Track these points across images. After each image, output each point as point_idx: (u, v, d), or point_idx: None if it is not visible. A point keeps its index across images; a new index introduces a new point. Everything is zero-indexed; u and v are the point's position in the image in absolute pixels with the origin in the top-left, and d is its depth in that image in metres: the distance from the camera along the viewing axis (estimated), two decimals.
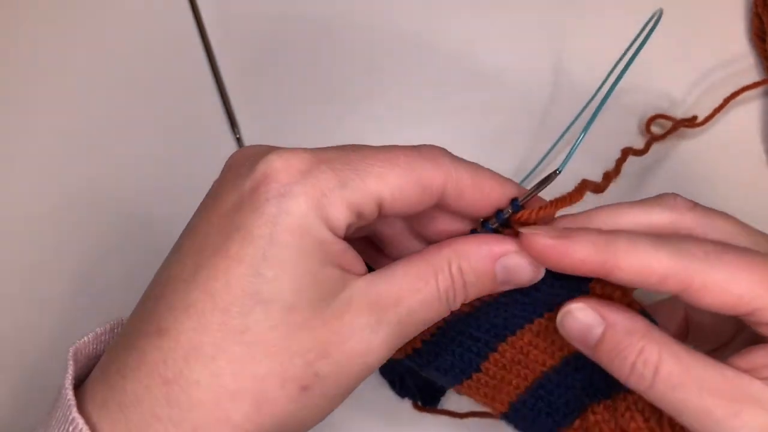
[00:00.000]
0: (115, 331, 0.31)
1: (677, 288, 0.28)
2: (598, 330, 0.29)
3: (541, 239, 0.28)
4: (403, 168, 0.27)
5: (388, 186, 0.27)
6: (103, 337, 0.31)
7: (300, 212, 0.26)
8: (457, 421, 0.46)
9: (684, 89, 0.52)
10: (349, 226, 0.27)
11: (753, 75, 0.53)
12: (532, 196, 0.30)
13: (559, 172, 0.28)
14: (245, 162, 0.28)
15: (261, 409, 0.26)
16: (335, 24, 0.55)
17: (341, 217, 0.27)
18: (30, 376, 0.48)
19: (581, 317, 0.29)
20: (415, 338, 0.30)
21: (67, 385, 0.27)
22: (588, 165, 0.51)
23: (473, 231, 0.31)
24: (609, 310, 0.29)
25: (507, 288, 0.30)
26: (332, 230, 0.27)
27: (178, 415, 0.25)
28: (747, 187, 0.51)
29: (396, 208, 0.28)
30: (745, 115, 0.52)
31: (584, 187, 0.30)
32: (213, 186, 0.29)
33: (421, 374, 0.35)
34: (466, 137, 0.52)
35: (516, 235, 0.29)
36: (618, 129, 0.51)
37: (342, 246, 0.27)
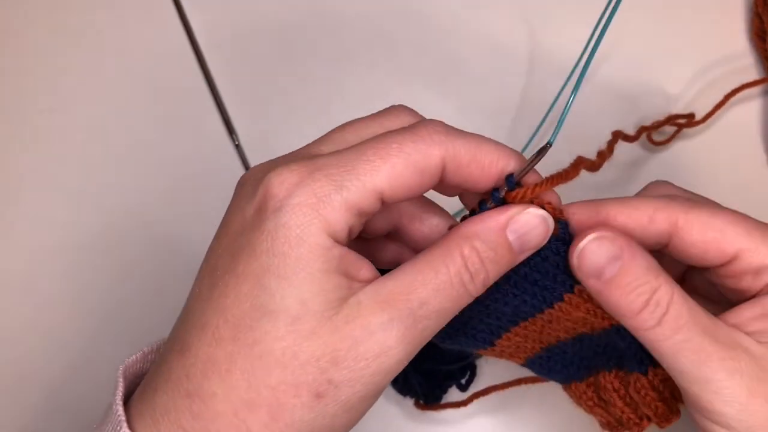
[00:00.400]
0: (160, 350, 0.31)
1: (666, 225, 0.30)
2: (617, 262, 0.28)
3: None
4: (396, 155, 0.27)
5: (383, 178, 0.27)
6: (149, 356, 0.32)
7: (295, 223, 0.26)
8: (457, 421, 0.46)
9: (683, 87, 0.52)
10: (351, 228, 0.28)
11: (752, 74, 0.53)
12: (527, 172, 0.29)
13: (551, 144, 0.27)
14: (250, 184, 0.29)
15: (277, 418, 0.26)
16: (328, 24, 0.55)
17: (341, 219, 0.27)
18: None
19: (604, 247, 0.28)
20: None
21: (117, 401, 0.28)
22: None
23: (472, 212, 0.31)
24: (629, 242, 0.29)
25: (525, 256, 0.29)
26: (333, 235, 0.27)
27: (201, 426, 0.27)
28: (747, 186, 0.51)
29: (397, 196, 0.28)
30: (745, 114, 0.52)
31: (580, 164, 0.29)
32: (226, 210, 0.30)
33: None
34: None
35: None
36: (615, 125, 0.52)
37: (343, 251, 0.27)
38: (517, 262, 0.29)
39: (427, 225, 0.33)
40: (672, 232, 0.30)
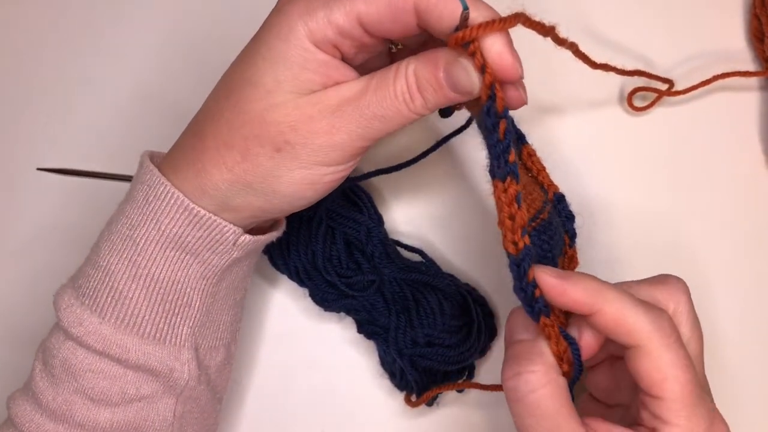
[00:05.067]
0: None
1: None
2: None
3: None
4: None
5: (360, 4, 0.33)
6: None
7: (286, 23, 0.34)
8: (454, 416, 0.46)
9: (678, 86, 0.52)
10: (338, 45, 0.34)
11: None
12: (461, 27, 0.33)
13: (466, 8, 0.32)
14: None
15: (246, 159, 0.35)
16: None
17: (322, 31, 0.33)
18: None
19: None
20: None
21: (145, 158, 0.38)
22: (572, 133, 0.52)
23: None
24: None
25: (456, 95, 0.34)
26: (315, 42, 0.34)
27: (195, 157, 0.36)
28: (746, 187, 0.51)
29: (375, 27, 0.34)
30: (743, 115, 0.52)
31: (519, 16, 0.33)
32: None
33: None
34: None
35: (471, 52, 0.33)
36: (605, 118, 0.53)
37: (326, 58, 0.34)
38: (453, 98, 0.34)
39: None
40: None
